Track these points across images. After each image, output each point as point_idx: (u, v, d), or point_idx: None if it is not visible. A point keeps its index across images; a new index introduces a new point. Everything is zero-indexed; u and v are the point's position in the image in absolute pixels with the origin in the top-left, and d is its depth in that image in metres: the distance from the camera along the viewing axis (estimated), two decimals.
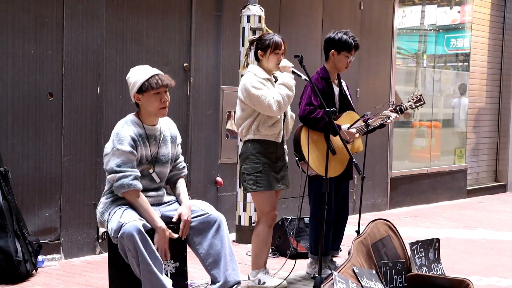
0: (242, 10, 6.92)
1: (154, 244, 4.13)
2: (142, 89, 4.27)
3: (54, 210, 6.01)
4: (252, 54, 5.30)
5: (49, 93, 5.92)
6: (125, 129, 4.27)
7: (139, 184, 4.20)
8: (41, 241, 5.78)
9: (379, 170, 9.43)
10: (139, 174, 4.23)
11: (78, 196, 6.15)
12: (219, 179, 7.26)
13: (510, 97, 12.09)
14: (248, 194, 6.83)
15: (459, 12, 11.33)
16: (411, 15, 10.59)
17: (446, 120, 11.30)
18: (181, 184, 4.61)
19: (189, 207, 4.41)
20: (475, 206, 10.49)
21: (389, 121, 5.67)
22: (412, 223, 8.66)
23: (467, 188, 11.32)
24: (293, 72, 5.10)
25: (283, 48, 5.13)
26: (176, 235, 4.29)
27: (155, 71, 4.33)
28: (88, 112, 6.18)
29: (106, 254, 6.16)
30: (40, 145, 5.90)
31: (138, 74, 4.30)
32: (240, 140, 6.81)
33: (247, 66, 5.35)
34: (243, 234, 6.97)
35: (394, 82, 9.65)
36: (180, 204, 4.47)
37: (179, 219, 4.34)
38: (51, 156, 5.97)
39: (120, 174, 4.17)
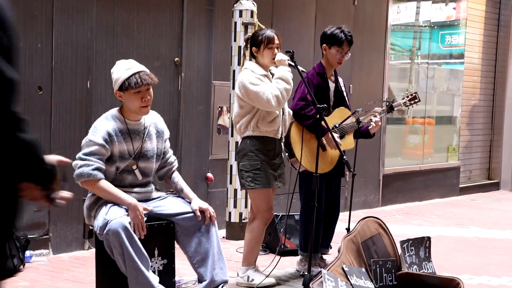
0: (234, 5, 6.86)
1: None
2: (122, 87, 4.22)
3: (42, 205, 5.95)
4: (248, 52, 5.26)
5: (38, 87, 5.86)
6: (103, 123, 4.24)
7: (99, 175, 4.13)
8: (29, 236, 5.72)
9: (371, 167, 9.40)
10: (103, 166, 4.17)
11: (67, 191, 6.08)
12: (209, 175, 7.21)
13: (504, 95, 12.05)
14: (239, 191, 6.79)
15: (454, 8, 11.30)
16: (406, 11, 10.54)
17: (439, 117, 11.26)
18: (179, 178, 4.59)
19: (198, 199, 4.45)
20: (468, 204, 10.47)
21: (370, 127, 5.60)
22: (404, 220, 8.63)
23: (460, 186, 11.29)
24: (289, 65, 5.07)
25: (276, 42, 5.11)
26: (150, 208, 4.23)
27: (138, 68, 4.25)
28: (77, 106, 6.13)
29: (94, 250, 6.13)
30: None
31: (120, 71, 4.25)
32: (231, 136, 6.81)
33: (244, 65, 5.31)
34: (233, 231, 6.92)
35: (387, 78, 9.60)
36: (185, 199, 4.48)
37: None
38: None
39: (83, 163, 4.13)
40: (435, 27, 11.11)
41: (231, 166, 6.86)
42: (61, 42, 5.98)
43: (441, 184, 10.82)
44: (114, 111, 4.34)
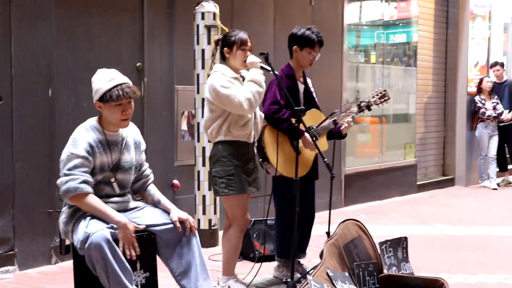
0: (196, 8, 6.70)
1: (119, 245, 3.89)
2: (103, 99, 4.03)
3: (7, 220, 5.70)
4: (218, 54, 5.11)
5: None
6: (83, 135, 4.04)
7: (87, 188, 3.94)
8: None
9: (334, 168, 9.30)
10: (90, 179, 3.98)
11: (32, 204, 5.86)
12: (175, 182, 7.04)
13: (456, 91, 12.16)
14: (207, 197, 6.64)
15: (405, 7, 11.33)
16: (359, 11, 10.52)
17: (396, 115, 11.27)
18: (156, 190, 4.43)
19: (177, 209, 4.28)
20: (427, 201, 10.51)
21: (343, 127, 5.53)
22: (370, 220, 8.53)
23: (417, 183, 11.34)
24: (262, 67, 4.94)
25: (249, 44, 4.99)
26: (142, 226, 4.07)
27: (121, 79, 4.05)
28: (40, 116, 5.89)
29: (62, 264, 5.94)
30: None
31: (102, 81, 4.04)
32: (198, 141, 6.66)
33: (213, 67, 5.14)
34: (204, 238, 6.64)
35: (345, 78, 9.57)
36: (164, 210, 4.32)
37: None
38: (2, 163, 5.66)
39: (68, 177, 3.92)
40: (387, 25, 11.12)
41: (198, 172, 6.70)
42: (20, 51, 5.74)
43: (400, 182, 10.84)
44: (92, 121, 4.13)
